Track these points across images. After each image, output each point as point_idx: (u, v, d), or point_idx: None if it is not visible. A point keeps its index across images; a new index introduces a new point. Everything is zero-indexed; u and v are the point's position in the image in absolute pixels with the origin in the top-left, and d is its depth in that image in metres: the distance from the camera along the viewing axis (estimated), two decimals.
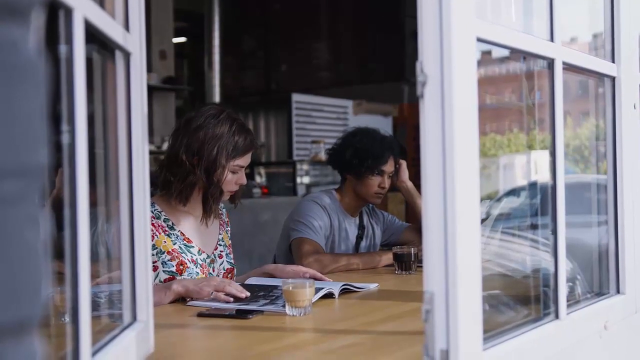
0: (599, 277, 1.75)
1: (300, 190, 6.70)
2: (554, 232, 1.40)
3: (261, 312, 1.76)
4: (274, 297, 1.90)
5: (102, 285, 1.26)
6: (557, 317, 1.39)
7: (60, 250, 0.88)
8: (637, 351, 1.80)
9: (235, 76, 9.61)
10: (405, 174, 2.87)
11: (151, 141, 6.84)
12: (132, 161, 1.23)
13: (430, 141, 1.06)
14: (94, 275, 1.08)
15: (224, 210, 2.37)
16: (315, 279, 2.10)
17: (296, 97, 7.69)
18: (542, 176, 1.58)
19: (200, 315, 1.76)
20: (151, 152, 6.36)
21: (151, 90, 6.94)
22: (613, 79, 1.70)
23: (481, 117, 1.12)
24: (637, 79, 1.77)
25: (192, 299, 1.92)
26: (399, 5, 8.18)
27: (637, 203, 1.73)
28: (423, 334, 1.07)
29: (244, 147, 2.14)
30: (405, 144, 6.50)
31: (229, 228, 2.36)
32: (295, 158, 7.32)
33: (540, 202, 1.64)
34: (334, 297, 1.97)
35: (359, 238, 2.86)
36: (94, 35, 1.01)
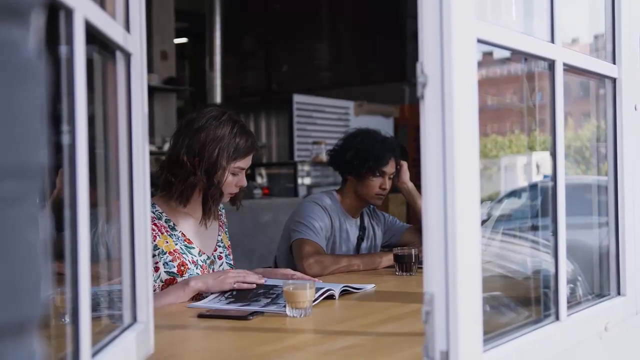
0: (600, 278, 1.75)
1: (302, 191, 6.71)
2: (555, 233, 1.40)
3: (261, 313, 1.76)
4: (274, 296, 1.90)
5: (103, 286, 1.26)
6: (557, 318, 1.39)
7: (61, 250, 0.88)
8: (637, 353, 1.79)
9: (236, 77, 9.61)
10: (406, 175, 2.87)
11: (152, 142, 6.85)
12: (132, 162, 1.23)
13: (431, 142, 1.06)
14: (95, 275, 1.08)
15: (223, 211, 2.37)
16: None
17: (297, 98, 7.70)
18: (543, 177, 1.58)
19: (201, 316, 1.76)
20: (152, 153, 6.36)
21: (152, 90, 6.94)
22: (614, 80, 1.70)
23: (483, 118, 1.12)
24: (638, 80, 1.77)
25: (193, 301, 1.93)
26: (399, 5, 8.19)
27: (637, 204, 1.73)
28: (423, 335, 1.07)
29: (245, 149, 2.15)
30: (407, 145, 6.50)
31: (226, 229, 2.36)
32: (296, 159, 7.33)
33: (541, 204, 1.64)
34: (334, 299, 1.97)
35: (360, 239, 2.86)
36: (94, 36, 1.01)
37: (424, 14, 1.06)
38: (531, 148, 1.82)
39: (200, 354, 1.49)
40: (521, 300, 1.56)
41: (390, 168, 2.77)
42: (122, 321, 1.22)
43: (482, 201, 1.14)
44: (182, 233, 2.15)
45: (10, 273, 0.54)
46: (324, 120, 7.83)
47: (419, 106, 1.07)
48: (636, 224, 1.73)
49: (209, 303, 1.88)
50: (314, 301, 1.81)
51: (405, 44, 8.31)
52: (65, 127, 0.88)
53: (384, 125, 7.38)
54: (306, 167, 6.91)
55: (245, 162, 2.17)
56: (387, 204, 6.00)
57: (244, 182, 2.19)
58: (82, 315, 0.89)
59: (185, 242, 2.15)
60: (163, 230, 2.11)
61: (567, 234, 1.41)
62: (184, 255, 2.12)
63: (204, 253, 2.19)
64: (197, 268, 2.14)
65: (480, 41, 1.13)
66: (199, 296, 1.97)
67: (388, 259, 2.60)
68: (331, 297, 1.96)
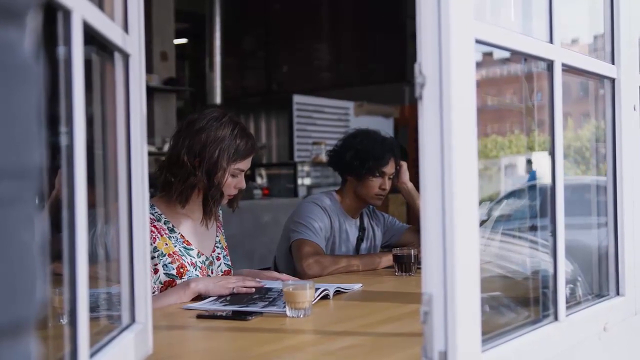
0: (599, 278, 1.75)
1: (301, 192, 6.71)
2: (553, 233, 1.40)
3: (260, 313, 1.76)
4: (271, 299, 1.91)
5: (101, 288, 1.26)
6: (556, 318, 1.39)
7: (60, 251, 0.88)
8: (636, 353, 1.79)
9: (236, 77, 9.62)
10: (405, 175, 2.87)
11: (152, 142, 6.85)
12: (131, 163, 1.23)
13: (429, 143, 1.06)
14: (94, 276, 1.08)
15: (220, 212, 2.38)
16: None
17: (297, 99, 7.70)
18: (543, 178, 1.58)
19: (200, 316, 1.76)
20: (152, 154, 6.36)
21: (152, 91, 6.95)
22: (613, 80, 1.70)
23: (483, 119, 1.12)
24: (637, 80, 1.77)
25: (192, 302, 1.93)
26: (399, 5, 8.19)
27: (637, 205, 1.73)
28: (422, 335, 1.07)
29: (245, 151, 2.15)
30: (407, 145, 6.50)
31: (223, 230, 2.37)
32: (296, 159, 7.33)
33: (540, 204, 1.64)
34: (329, 298, 1.98)
35: (360, 240, 2.86)
36: (92, 37, 1.01)
37: (422, 14, 1.06)
38: (531, 148, 1.82)
39: (200, 355, 1.49)
40: (520, 301, 1.56)
41: (390, 168, 2.77)
42: (121, 322, 1.22)
43: (482, 201, 1.14)
44: (181, 235, 2.16)
45: (6, 273, 0.54)
46: (324, 120, 7.83)
47: (417, 107, 1.07)
48: (635, 224, 1.73)
49: (206, 305, 1.88)
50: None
51: (406, 44, 8.32)
52: (63, 128, 0.88)
53: (384, 126, 7.38)
54: (306, 168, 6.91)
55: (245, 164, 2.17)
56: (387, 204, 6.00)
57: (243, 184, 2.20)
58: (80, 315, 0.89)
59: (184, 244, 2.15)
60: (162, 233, 2.11)
61: (566, 235, 1.41)
62: (183, 257, 2.12)
63: (203, 254, 2.19)
64: (196, 269, 2.14)
65: (478, 42, 1.13)
66: (197, 298, 1.97)
67: (387, 260, 2.60)
68: (325, 297, 1.97)
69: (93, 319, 0.96)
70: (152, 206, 2.13)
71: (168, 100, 7.41)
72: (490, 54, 1.36)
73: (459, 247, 1.04)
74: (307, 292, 1.72)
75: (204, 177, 2.10)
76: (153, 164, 4.84)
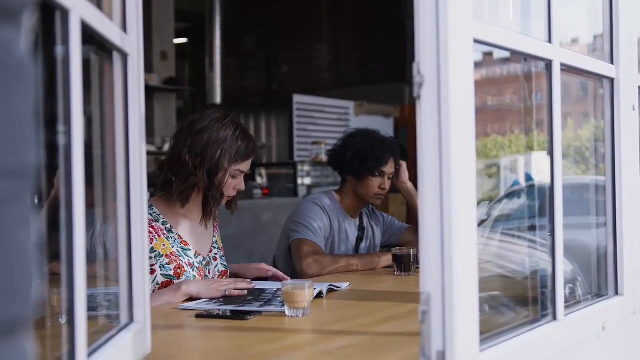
0: (598, 278, 1.75)
1: (301, 192, 6.71)
2: (552, 233, 1.40)
3: (259, 312, 1.76)
4: (266, 300, 1.91)
5: (100, 288, 1.26)
6: (554, 318, 1.39)
7: (58, 251, 0.88)
8: (635, 352, 1.79)
9: (236, 77, 9.62)
10: (405, 175, 2.87)
11: (152, 142, 6.85)
12: (129, 163, 1.23)
13: (427, 142, 1.06)
14: (93, 276, 1.08)
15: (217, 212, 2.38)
16: (278, 278, 2.20)
17: (297, 98, 7.70)
18: (542, 177, 1.58)
19: (198, 316, 1.76)
20: (152, 153, 6.37)
21: (152, 91, 6.95)
22: (612, 80, 1.70)
23: (483, 119, 1.12)
24: (636, 80, 1.77)
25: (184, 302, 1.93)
26: (399, 5, 8.18)
27: (636, 205, 1.73)
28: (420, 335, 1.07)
29: (246, 153, 2.16)
30: (407, 145, 6.50)
31: (219, 230, 2.37)
32: (296, 159, 7.33)
33: (539, 204, 1.64)
34: (322, 297, 1.98)
35: (359, 239, 2.86)
36: (91, 37, 1.01)
37: (421, 13, 1.06)
38: (531, 148, 1.82)
39: (198, 354, 1.49)
40: (519, 300, 1.56)
41: (389, 168, 2.77)
42: (119, 321, 1.22)
43: (482, 201, 1.14)
44: (179, 235, 2.16)
45: (2, 273, 0.54)
46: (324, 120, 7.83)
47: (416, 106, 1.07)
48: (634, 224, 1.73)
49: (201, 305, 1.88)
50: None
51: (405, 44, 8.31)
52: (61, 128, 0.88)
53: (384, 126, 7.37)
54: (306, 167, 6.91)
55: (245, 166, 2.18)
56: (387, 204, 5.99)
57: (242, 186, 2.20)
58: (78, 315, 0.89)
59: (182, 245, 2.15)
60: (160, 233, 2.11)
61: (565, 234, 1.41)
62: (180, 258, 2.12)
63: (200, 254, 2.19)
64: (193, 270, 2.14)
65: (477, 41, 1.13)
66: (190, 300, 1.97)
67: (387, 259, 2.60)
68: (319, 295, 1.97)
69: (91, 319, 0.96)
70: (150, 206, 2.13)
71: (168, 100, 7.41)
72: (490, 54, 1.36)
73: (457, 246, 1.04)
74: (306, 292, 1.72)
75: (205, 177, 2.10)
76: (153, 164, 4.85)
